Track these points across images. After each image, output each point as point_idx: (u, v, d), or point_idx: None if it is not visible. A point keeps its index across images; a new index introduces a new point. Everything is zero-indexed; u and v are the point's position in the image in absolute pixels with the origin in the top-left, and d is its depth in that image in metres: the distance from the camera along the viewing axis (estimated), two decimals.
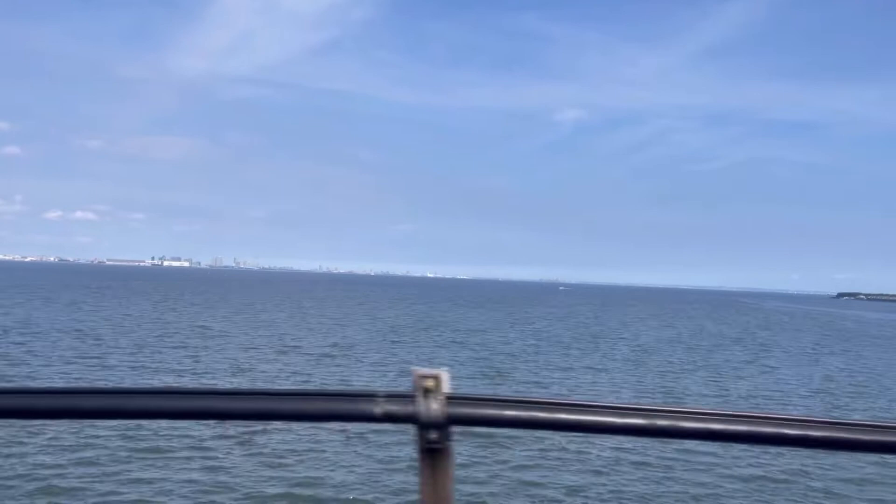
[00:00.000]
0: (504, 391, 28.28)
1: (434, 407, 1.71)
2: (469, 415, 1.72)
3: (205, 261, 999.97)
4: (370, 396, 1.74)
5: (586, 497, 15.49)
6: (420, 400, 1.72)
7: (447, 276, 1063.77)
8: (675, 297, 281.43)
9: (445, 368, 1.76)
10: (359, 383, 28.99)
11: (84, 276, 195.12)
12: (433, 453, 1.74)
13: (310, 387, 25.45)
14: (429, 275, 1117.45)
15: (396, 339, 47.55)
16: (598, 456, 18.27)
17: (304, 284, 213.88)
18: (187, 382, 27.47)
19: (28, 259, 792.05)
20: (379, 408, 1.72)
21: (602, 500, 15.42)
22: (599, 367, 37.86)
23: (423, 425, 1.71)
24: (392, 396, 1.74)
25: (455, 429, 1.72)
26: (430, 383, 1.72)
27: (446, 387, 1.73)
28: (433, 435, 1.71)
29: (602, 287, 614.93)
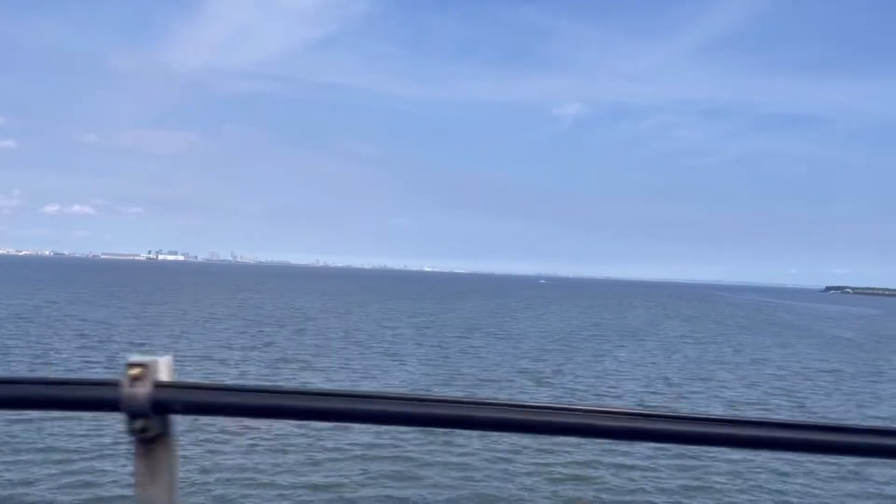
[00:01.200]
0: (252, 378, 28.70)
1: (140, 393, 1.61)
2: (182, 402, 1.65)
3: (201, 255, 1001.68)
4: (74, 384, 1.68)
5: (316, 486, 15.49)
6: (124, 386, 1.62)
7: (445, 271, 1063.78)
8: (656, 290, 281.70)
9: (169, 356, 1.69)
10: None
11: (54, 270, 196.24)
12: (148, 442, 1.66)
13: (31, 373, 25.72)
14: (426, 269, 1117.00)
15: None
16: (324, 446, 18.07)
17: (273, 278, 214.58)
18: None
19: (23, 253, 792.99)
20: (80, 394, 1.66)
21: (349, 488, 15.53)
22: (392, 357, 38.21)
23: (131, 413, 1.62)
24: (96, 384, 1.68)
25: (179, 418, 1.67)
26: (137, 370, 1.63)
27: (162, 374, 1.65)
28: (142, 423, 1.63)
29: (594, 281, 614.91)
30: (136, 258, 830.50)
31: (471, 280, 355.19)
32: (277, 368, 31.14)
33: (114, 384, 1.64)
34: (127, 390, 1.62)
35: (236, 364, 31.64)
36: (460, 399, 1.63)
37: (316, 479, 15.81)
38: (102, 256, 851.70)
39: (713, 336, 59.92)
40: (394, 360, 35.19)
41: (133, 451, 1.66)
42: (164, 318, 52.00)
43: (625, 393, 28.89)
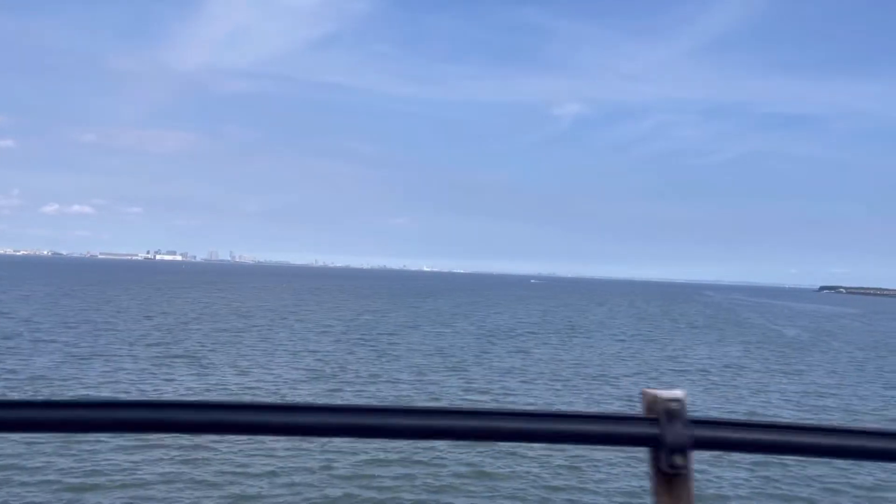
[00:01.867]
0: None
1: (679, 430, 1.67)
2: (712, 438, 1.71)
3: (200, 255, 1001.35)
4: (609, 419, 1.77)
5: None
6: (664, 422, 1.69)
7: (444, 271, 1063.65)
8: (646, 289, 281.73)
9: (683, 390, 1.76)
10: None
11: (40, 270, 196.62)
12: (672, 479, 1.70)
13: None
14: (425, 269, 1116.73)
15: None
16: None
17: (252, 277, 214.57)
18: None
19: (20, 253, 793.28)
20: (621, 430, 1.74)
21: None
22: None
23: (668, 449, 1.67)
24: (631, 419, 1.76)
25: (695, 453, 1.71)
26: (674, 405, 1.70)
27: (685, 408, 1.72)
28: (676, 460, 1.67)
29: (592, 280, 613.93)
30: (134, 258, 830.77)
31: (465, 280, 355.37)
32: (157, 367, 31.30)
33: (652, 420, 1.69)
34: (666, 426, 1.66)
35: (118, 361, 31.82)
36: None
37: None
38: (100, 256, 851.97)
39: (648, 333, 60.06)
40: (291, 358, 35.37)
41: (651, 487, 1.68)
42: (120, 318, 52.25)
43: (492, 391, 29.04)
